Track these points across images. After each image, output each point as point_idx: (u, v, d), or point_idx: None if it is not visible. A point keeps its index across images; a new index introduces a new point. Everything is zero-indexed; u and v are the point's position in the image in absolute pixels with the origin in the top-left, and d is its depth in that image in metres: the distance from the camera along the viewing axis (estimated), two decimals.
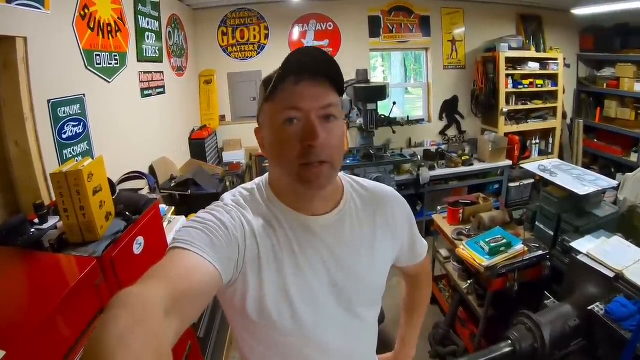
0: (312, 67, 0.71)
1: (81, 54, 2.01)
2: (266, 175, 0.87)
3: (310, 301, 0.78)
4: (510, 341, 1.66)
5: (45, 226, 1.39)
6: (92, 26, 2.09)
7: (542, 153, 5.05)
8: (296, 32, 4.56)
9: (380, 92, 3.66)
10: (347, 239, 0.83)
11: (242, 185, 0.87)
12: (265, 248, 0.76)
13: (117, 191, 1.57)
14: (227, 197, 0.83)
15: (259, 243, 0.76)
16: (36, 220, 1.40)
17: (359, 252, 0.84)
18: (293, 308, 0.76)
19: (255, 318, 0.75)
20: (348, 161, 3.86)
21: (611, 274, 1.73)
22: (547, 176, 2.43)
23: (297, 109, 0.71)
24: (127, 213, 1.45)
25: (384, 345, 1.21)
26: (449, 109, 5.04)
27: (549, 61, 4.70)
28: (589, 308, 1.67)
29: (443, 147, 4.85)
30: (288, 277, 0.76)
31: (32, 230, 1.35)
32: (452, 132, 5.10)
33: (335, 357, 0.84)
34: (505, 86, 4.56)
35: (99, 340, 0.42)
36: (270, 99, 0.73)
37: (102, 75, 2.21)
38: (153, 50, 3.03)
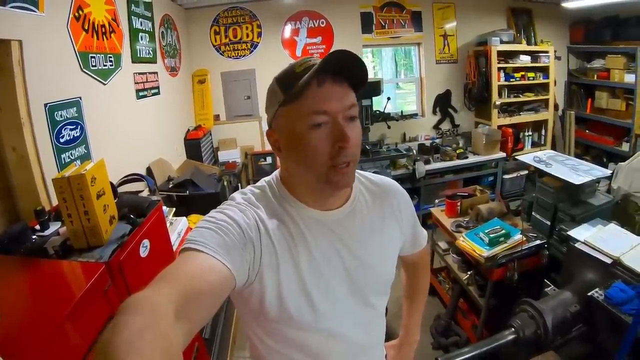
0: (337, 68, 0.71)
1: (76, 56, 1.99)
2: (276, 172, 0.88)
3: (326, 292, 0.79)
4: (513, 329, 1.69)
5: (47, 232, 1.38)
6: (86, 28, 2.07)
7: (535, 145, 5.10)
8: (289, 29, 4.55)
9: (374, 87, 3.68)
10: (358, 231, 0.85)
11: (252, 185, 0.87)
12: (281, 246, 0.76)
13: (118, 194, 1.56)
14: (237, 195, 0.83)
15: (274, 241, 0.76)
16: (37, 227, 1.39)
17: (370, 243, 0.86)
18: (310, 301, 0.77)
19: (273, 316, 0.76)
20: None
21: (609, 260, 1.76)
22: (542, 167, 2.46)
23: (324, 112, 0.71)
24: (132, 216, 1.44)
25: (388, 337, 1.23)
26: (442, 103, 5.07)
27: (540, 54, 4.74)
28: (589, 294, 1.70)
29: (437, 141, 4.88)
30: (304, 271, 0.77)
31: (34, 237, 1.34)
32: (445, 126, 5.13)
33: (349, 346, 0.86)
34: (497, 79, 4.60)
35: (108, 345, 0.42)
36: (290, 102, 0.72)
37: (97, 77, 2.19)
38: (147, 51, 3.00)
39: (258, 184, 0.87)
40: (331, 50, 0.72)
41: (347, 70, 0.72)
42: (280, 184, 0.84)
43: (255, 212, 0.78)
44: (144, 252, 1.41)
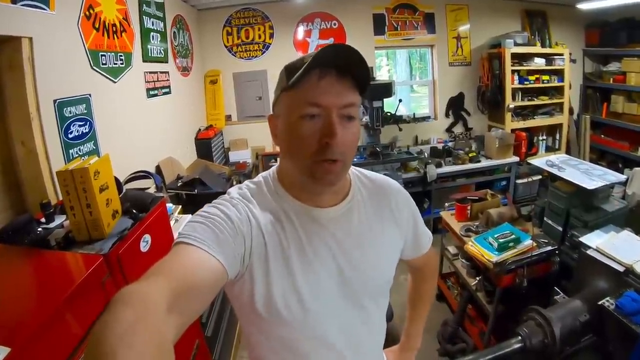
0: (340, 63, 0.70)
1: (86, 54, 2.02)
2: (274, 168, 0.87)
3: (318, 293, 0.77)
4: (520, 337, 1.64)
5: (51, 225, 1.39)
6: (97, 26, 2.10)
7: (549, 149, 4.98)
8: (301, 30, 4.55)
9: (386, 89, 3.66)
10: (354, 231, 0.83)
11: (249, 179, 0.87)
12: (273, 242, 0.76)
13: (124, 190, 1.58)
14: (233, 190, 0.83)
15: (265, 237, 0.75)
16: (43, 220, 1.41)
17: (367, 243, 0.84)
18: (301, 301, 0.76)
19: (263, 313, 0.75)
20: (355, 159, 3.85)
21: (621, 268, 1.70)
22: (555, 171, 2.40)
23: (318, 105, 0.70)
24: (134, 211, 1.45)
25: (393, 342, 1.20)
26: (455, 106, 5.00)
27: (555, 57, 4.65)
28: (599, 303, 1.65)
29: (450, 144, 4.80)
30: (296, 270, 0.76)
31: (39, 229, 1.35)
32: (458, 129, 5.06)
33: (341, 349, 0.84)
34: (511, 82, 4.51)
35: (100, 338, 0.42)
36: (291, 89, 0.72)
37: (107, 75, 2.23)
38: (158, 51, 3.04)
39: (255, 179, 0.87)
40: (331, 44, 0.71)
41: (352, 68, 0.71)
42: (275, 180, 0.84)
43: (248, 206, 0.78)
44: (144, 247, 1.41)
